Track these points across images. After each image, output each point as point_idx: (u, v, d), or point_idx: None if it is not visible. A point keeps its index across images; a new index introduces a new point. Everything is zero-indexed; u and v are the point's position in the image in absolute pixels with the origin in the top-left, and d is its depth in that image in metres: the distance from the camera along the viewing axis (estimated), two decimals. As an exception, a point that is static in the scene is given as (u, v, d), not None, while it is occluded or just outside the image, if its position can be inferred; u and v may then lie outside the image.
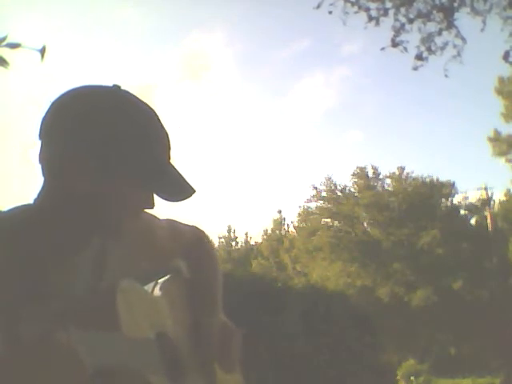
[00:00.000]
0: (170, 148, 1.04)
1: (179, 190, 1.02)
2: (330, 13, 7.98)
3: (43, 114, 1.01)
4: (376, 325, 10.20)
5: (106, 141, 0.97)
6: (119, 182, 0.98)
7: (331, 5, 7.91)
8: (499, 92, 21.70)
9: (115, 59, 46.36)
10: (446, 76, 8.20)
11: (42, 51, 1.62)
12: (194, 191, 1.03)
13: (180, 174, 1.02)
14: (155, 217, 1.26)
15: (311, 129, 46.24)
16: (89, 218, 1.01)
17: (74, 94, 1.02)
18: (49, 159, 1.00)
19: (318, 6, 7.99)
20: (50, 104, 1.01)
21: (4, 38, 1.67)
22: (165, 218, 1.32)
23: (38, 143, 1.01)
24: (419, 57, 8.07)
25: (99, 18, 51.48)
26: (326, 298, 8.82)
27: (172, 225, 1.33)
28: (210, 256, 1.41)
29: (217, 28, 49.21)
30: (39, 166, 1.02)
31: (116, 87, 1.03)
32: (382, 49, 8.22)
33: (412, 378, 17.39)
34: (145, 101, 1.04)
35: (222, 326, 1.31)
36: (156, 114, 1.04)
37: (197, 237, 1.40)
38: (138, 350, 1.02)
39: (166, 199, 1.03)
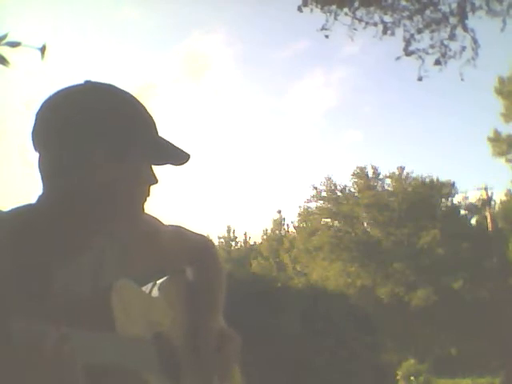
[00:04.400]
0: (155, 123, 1.10)
1: (177, 155, 1.10)
2: (327, 37, 7.97)
3: (32, 126, 1.04)
4: (376, 325, 10.20)
5: (99, 133, 1.01)
6: (123, 168, 1.03)
7: (334, 22, 7.87)
8: (499, 92, 21.70)
9: (115, 59, 46.41)
10: (462, 80, 8.15)
11: (43, 50, 1.62)
12: (189, 156, 1.11)
13: (172, 143, 1.09)
14: (161, 222, 1.27)
15: (311, 129, 46.28)
16: (93, 216, 1.03)
17: (56, 99, 1.05)
18: (49, 166, 1.03)
19: (322, 28, 7.95)
20: (35, 115, 1.04)
21: (4, 37, 1.67)
22: (172, 224, 1.33)
23: (36, 154, 1.04)
24: (438, 62, 8.03)
25: (99, 18, 51.53)
26: (325, 298, 8.82)
27: (178, 230, 1.33)
28: (215, 263, 1.41)
29: (217, 28, 49.28)
30: (40, 175, 1.04)
31: (89, 82, 1.07)
32: (398, 58, 8.20)
33: (412, 377, 17.37)
34: (129, 92, 1.09)
35: (220, 331, 1.30)
36: (133, 96, 1.09)
37: (203, 244, 1.40)
38: (134, 350, 1.02)
39: (168, 164, 1.11)
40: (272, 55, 47.34)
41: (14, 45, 1.65)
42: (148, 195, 1.09)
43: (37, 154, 1.04)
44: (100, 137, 1.01)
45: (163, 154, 1.09)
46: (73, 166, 1.00)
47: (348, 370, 7.95)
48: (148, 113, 1.09)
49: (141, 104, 1.09)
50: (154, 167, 1.10)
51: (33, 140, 1.04)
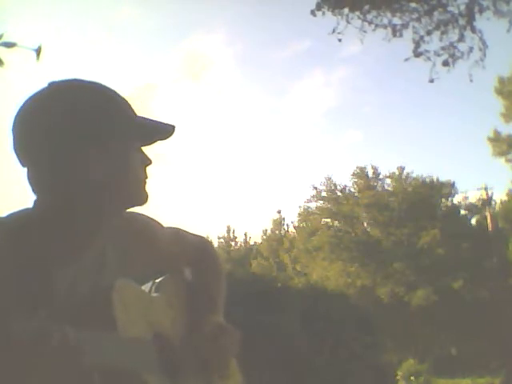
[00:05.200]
0: (130, 104, 1.09)
1: (161, 129, 1.10)
2: (340, 41, 8.00)
3: (12, 143, 1.03)
4: (376, 325, 10.21)
5: (79, 131, 1.00)
6: (111, 159, 1.02)
7: (347, 25, 7.88)
8: (499, 92, 21.71)
9: (115, 59, 46.44)
10: (471, 81, 8.16)
11: (38, 51, 1.61)
12: (174, 127, 1.10)
13: (154, 120, 1.09)
14: (160, 224, 1.28)
15: (311, 129, 46.26)
16: (91, 215, 1.03)
17: (27, 109, 1.04)
18: (39, 174, 1.02)
19: (334, 31, 7.96)
20: (12, 131, 1.03)
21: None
22: (171, 226, 1.33)
23: (24, 169, 1.03)
24: (446, 63, 8.03)
25: (99, 18, 51.54)
26: (325, 298, 8.83)
27: (176, 232, 1.33)
28: (215, 264, 1.41)
29: (217, 28, 49.19)
30: (31, 186, 1.04)
31: (53, 83, 1.05)
32: (407, 59, 8.20)
33: (412, 377, 17.38)
34: (96, 81, 1.08)
35: (218, 324, 1.29)
36: (101, 84, 1.07)
37: (202, 245, 1.40)
38: (134, 350, 1.02)
39: (156, 140, 1.10)
40: (272, 55, 47.35)
41: (10, 45, 1.64)
42: (146, 177, 1.09)
43: (25, 169, 1.03)
44: (81, 134, 1.00)
45: (148, 132, 1.08)
46: (62, 168, 1.00)
47: (348, 370, 7.96)
48: (120, 96, 1.08)
49: (111, 90, 1.07)
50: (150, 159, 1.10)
51: (17, 155, 1.03)
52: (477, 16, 7.87)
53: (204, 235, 1.46)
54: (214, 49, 46.14)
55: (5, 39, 1.64)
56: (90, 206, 1.02)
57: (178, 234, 1.33)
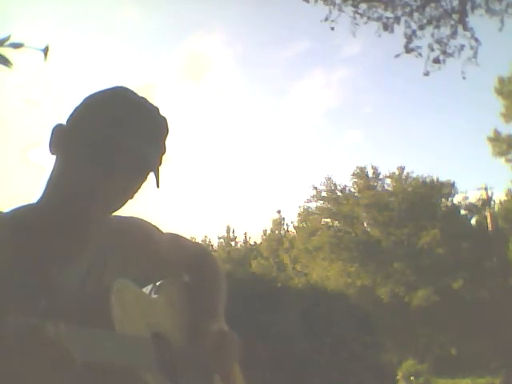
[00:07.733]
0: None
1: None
2: (333, 29, 7.97)
3: (64, 132, 1.06)
4: (376, 325, 10.20)
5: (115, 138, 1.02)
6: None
7: (340, 14, 7.86)
8: (499, 92, 21.70)
9: (115, 59, 46.43)
10: (464, 78, 8.16)
11: (46, 51, 1.61)
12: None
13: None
14: (159, 229, 1.29)
15: (311, 129, 46.24)
16: (93, 216, 1.03)
17: (79, 106, 1.08)
18: (60, 169, 1.04)
19: (326, 19, 7.95)
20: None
21: (7, 38, 1.66)
22: (169, 232, 1.34)
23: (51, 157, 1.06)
24: (437, 60, 8.02)
25: (99, 18, 51.51)
26: (326, 298, 8.82)
27: (176, 238, 1.34)
28: (214, 268, 1.41)
29: (217, 28, 49.14)
30: (48, 177, 1.06)
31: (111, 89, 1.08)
32: (397, 56, 8.18)
33: (412, 377, 17.36)
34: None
35: (219, 332, 1.28)
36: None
37: (201, 251, 1.41)
38: (133, 348, 1.02)
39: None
40: (272, 55, 47.34)
41: (17, 46, 1.64)
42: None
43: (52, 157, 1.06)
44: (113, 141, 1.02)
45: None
46: (80, 168, 1.01)
47: (348, 370, 7.95)
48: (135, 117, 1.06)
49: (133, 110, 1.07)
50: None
51: (57, 144, 1.06)
52: (469, 13, 7.87)
53: (204, 235, 1.46)
54: (214, 49, 46.15)
55: (11, 40, 1.65)
56: (90, 207, 1.02)
57: (176, 240, 1.34)
